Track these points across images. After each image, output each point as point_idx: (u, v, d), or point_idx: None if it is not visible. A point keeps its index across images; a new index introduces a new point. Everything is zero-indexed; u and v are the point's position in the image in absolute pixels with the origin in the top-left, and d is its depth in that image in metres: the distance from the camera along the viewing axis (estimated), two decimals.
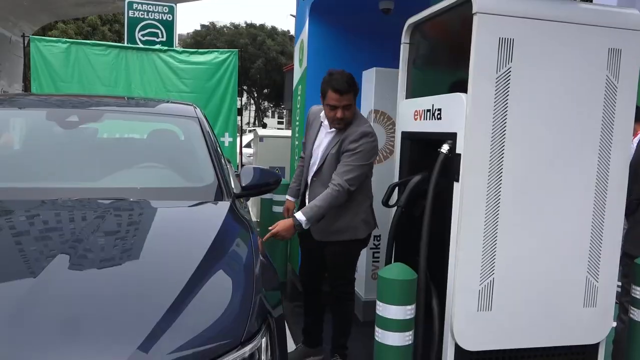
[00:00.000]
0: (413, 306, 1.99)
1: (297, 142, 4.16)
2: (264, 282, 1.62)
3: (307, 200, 2.67)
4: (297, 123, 4.21)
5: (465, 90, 2.00)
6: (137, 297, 1.37)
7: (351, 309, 2.82)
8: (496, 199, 2.03)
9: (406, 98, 2.59)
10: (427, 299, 2.16)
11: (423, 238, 2.17)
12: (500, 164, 2.02)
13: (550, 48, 2.01)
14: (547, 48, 2.01)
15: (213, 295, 1.44)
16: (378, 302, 2.00)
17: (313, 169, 2.66)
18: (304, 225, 2.45)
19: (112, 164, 2.37)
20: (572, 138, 2.08)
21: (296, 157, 2.85)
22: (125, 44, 7.06)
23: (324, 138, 2.64)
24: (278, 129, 29.84)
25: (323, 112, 2.65)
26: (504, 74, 1.97)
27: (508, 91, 1.98)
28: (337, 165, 2.55)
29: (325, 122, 2.64)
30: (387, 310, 1.95)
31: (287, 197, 2.95)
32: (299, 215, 2.46)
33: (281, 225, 2.47)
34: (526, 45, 1.98)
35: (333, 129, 2.60)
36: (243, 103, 34.20)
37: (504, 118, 2.00)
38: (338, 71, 2.52)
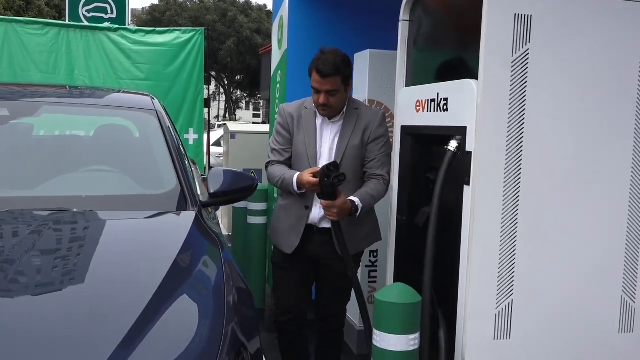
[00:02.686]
0: (417, 335, 1.99)
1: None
2: (237, 309, 1.61)
3: (316, 209, 2.58)
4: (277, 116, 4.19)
5: (475, 77, 2.01)
6: (80, 334, 1.34)
7: (342, 341, 2.82)
8: (514, 206, 2.04)
9: (406, 86, 2.60)
10: (434, 326, 2.15)
11: (428, 253, 2.17)
12: (519, 164, 2.03)
13: (576, 26, 2.04)
14: (571, 26, 2.04)
15: (174, 326, 1.43)
16: (375, 331, 1.99)
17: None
18: (358, 213, 2.50)
19: (51, 168, 2.35)
20: (603, 133, 2.10)
21: (271, 159, 2.76)
22: (67, 22, 7.00)
23: (325, 130, 2.63)
24: (254, 123, 29.79)
25: (307, 101, 2.66)
26: (521, 57, 1.99)
27: (526, 77, 2.00)
28: (360, 158, 2.60)
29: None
30: (386, 341, 1.95)
31: (300, 174, 2.55)
32: (356, 200, 2.50)
33: (342, 201, 2.43)
34: (546, 22, 2.01)
35: (336, 119, 2.62)
36: (211, 92, 34.12)
37: (521, 109, 2.01)
38: (331, 50, 2.54)
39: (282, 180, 2.58)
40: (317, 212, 2.59)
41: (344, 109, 2.63)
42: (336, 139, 2.61)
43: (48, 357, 1.26)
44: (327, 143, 2.62)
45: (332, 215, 2.44)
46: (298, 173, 2.54)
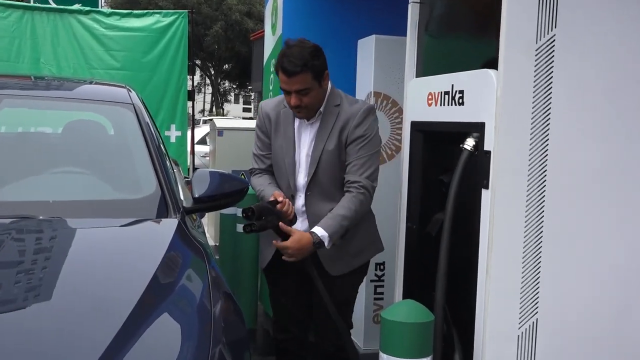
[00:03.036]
0: (429, 359, 1.98)
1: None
2: (225, 330, 1.61)
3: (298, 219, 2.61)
4: None
5: (495, 66, 2.01)
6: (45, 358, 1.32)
7: None
8: (539, 212, 2.04)
9: (417, 76, 2.61)
10: (448, 349, 2.16)
11: (441, 266, 2.17)
12: (544, 164, 2.03)
13: (607, 9, 2.05)
14: (602, 10, 2.04)
15: (154, 350, 1.43)
16: (382, 354, 1.99)
17: (302, 180, 2.60)
18: (326, 244, 2.43)
19: (13, 170, 2.35)
20: (637, 128, 2.11)
21: (253, 166, 2.78)
22: (31, 3, 7.01)
23: (304, 134, 2.61)
24: (244, 118, 29.75)
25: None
26: (547, 44, 2.00)
27: (552, 67, 2.00)
28: (340, 165, 2.55)
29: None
30: None
31: (275, 192, 2.61)
32: (319, 230, 2.42)
33: (295, 240, 2.40)
34: (575, 5, 2.01)
35: (314, 119, 2.60)
36: (195, 84, 34.10)
37: (547, 102, 2.02)
38: (297, 42, 2.52)
39: (261, 198, 2.63)
40: (300, 202, 2.62)
41: (322, 108, 2.57)
42: (306, 145, 2.59)
43: None
44: (305, 149, 2.60)
45: (288, 257, 2.42)
46: (275, 192, 2.57)
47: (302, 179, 2.60)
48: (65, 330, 1.44)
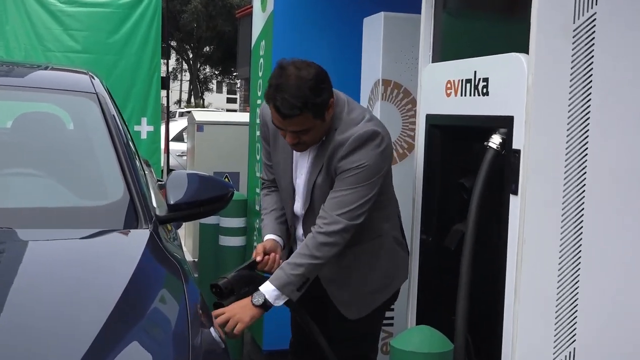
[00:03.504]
0: None
1: (258, 133, 4.17)
2: None
3: (299, 229, 2.70)
4: (259, 102, 4.21)
5: (526, 50, 2.01)
6: None
7: None
8: (577, 221, 2.05)
9: (433, 61, 2.61)
10: None
11: (462, 285, 2.17)
12: (583, 166, 2.04)
13: None
14: None
15: None
16: None
17: (299, 209, 2.65)
18: (272, 301, 2.37)
19: None
20: None
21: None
22: None
23: (301, 159, 2.61)
24: (228, 111, 29.77)
25: None
26: (585, 25, 2.01)
27: (592, 50, 2.01)
28: None
29: None
30: None
31: (267, 236, 2.71)
32: (266, 286, 2.37)
33: (232, 308, 2.37)
34: None
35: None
36: (171, 69, 34.10)
37: (586, 92, 2.02)
38: (292, 71, 2.36)
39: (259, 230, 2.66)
40: (300, 232, 2.68)
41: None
42: (304, 171, 2.60)
43: None
44: (302, 175, 2.62)
45: (232, 327, 2.35)
46: (266, 236, 2.65)
47: (299, 208, 2.65)
48: None
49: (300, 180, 2.61)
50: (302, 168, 2.60)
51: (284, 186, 2.66)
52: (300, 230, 2.68)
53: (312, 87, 2.35)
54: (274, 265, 2.54)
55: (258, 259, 2.52)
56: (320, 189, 2.53)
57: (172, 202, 2.29)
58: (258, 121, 4.03)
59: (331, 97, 2.45)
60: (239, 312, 2.34)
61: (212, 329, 1.86)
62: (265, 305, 2.36)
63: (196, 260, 5.76)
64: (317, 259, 2.40)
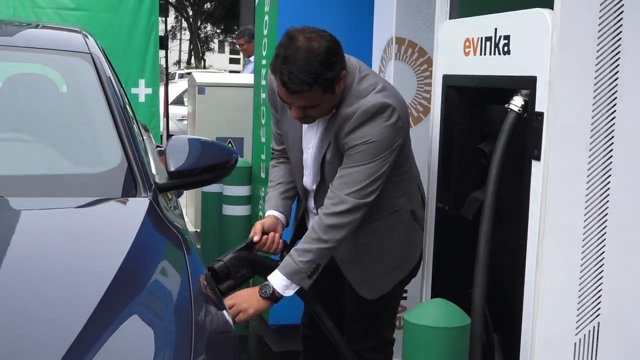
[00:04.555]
0: None
1: (264, 96, 4.13)
2: (208, 338, 1.63)
3: (311, 199, 2.70)
4: (264, 62, 4.18)
5: (550, 5, 1.98)
6: None
7: None
8: (603, 190, 2.03)
9: (450, 18, 2.59)
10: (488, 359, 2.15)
11: (480, 257, 2.17)
12: (610, 131, 2.01)
13: None
14: None
15: None
16: None
17: (309, 183, 2.65)
18: (282, 291, 2.35)
19: None
20: None
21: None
22: None
23: (309, 131, 2.58)
24: (231, 72, 29.71)
25: None
26: None
27: (622, 5, 1.97)
28: None
29: None
30: None
31: (268, 212, 2.72)
32: (274, 276, 2.35)
33: (241, 294, 2.38)
34: None
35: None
36: (169, 28, 34.03)
37: (615, 51, 1.98)
38: (301, 42, 2.29)
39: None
40: (311, 204, 2.68)
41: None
42: (314, 144, 2.58)
43: None
44: (311, 149, 2.59)
45: (239, 315, 2.35)
46: (268, 212, 2.66)
47: (309, 183, 2.66)
48: (7, 340, 1.42)
49: (308, 155, 2.59)
50: (309, 142, 2.58)
51: (294, 159, 2.65)
52: (311, 203, 2.69)
53: (323, 60, 2.28)
54: (272, 245, 2.53)
55: (255, 238, 2.51)
56: (331, 165, 2.51)
57: (172, 169, 2.30)
58: (263, 83, 4.01)
59: (343, 69, 2.39)
60: (245, 301, 2.36)
61: (225, 312, 1.87)
62: (275, 297, 2.35)
63: (198, 230, 5.81)
64: (325, 243, 2.37)
